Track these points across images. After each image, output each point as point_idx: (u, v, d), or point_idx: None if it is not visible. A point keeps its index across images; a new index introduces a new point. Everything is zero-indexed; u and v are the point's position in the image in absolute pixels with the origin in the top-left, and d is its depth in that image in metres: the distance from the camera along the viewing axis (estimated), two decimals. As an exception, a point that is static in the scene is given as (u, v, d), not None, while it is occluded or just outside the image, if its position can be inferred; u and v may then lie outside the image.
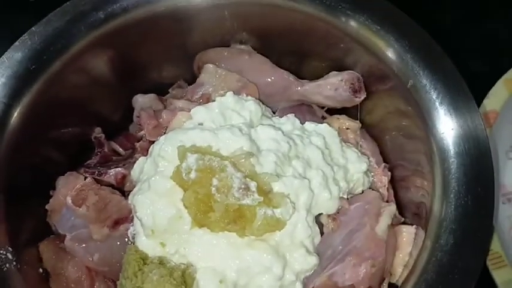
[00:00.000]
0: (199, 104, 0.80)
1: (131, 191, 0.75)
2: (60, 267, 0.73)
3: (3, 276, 0.65)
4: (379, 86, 0.80)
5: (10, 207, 0.70)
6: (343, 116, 0.86)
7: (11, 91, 0.72)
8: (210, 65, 0.84)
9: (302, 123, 0.80)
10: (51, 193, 0.77)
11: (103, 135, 0.88)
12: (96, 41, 0.78)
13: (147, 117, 0.78)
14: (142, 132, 0.81)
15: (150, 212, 0.68)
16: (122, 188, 0.79)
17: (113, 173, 0.77)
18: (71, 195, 0.71)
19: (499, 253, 0.86)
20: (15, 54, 0.74)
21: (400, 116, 0.78)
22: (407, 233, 0.71)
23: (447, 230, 0.62)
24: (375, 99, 0.83)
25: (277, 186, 0.68)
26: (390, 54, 0.74)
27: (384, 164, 0.83)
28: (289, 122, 0.78)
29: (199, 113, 0.76)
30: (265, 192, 0.67)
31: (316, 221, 0.72)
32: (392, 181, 0.83)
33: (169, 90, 0.94)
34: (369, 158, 0.81)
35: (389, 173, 0.82)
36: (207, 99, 0.81)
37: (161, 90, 0.93)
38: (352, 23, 0.76)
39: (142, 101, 0.87)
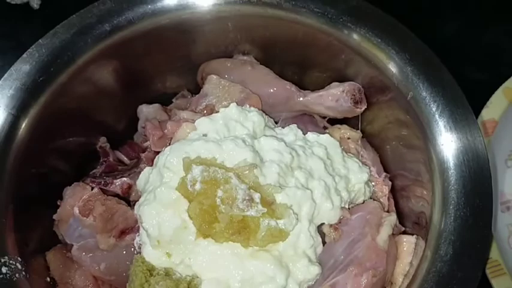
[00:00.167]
0: (204, 114, 0.81)
1: (137, 200, 0.76)
2: (68, 276, 0.74)
3: (14, 286, 0.66)
4: (380, 97, 0.81)
5: (19, 217, 0.72)
6: (345, 126, 0.87)
7: (19, 103, 0.73)
8: (214, 76, 0.85)
9: (304, 133, 0.81)
10: (58, 203, 0.78)
11: (108, 145, 0.89)
12: (102, 53, 0.79)
13: (153, 128, 0.80)
14: (147, 143, 0.82)
15: (155, 223, 0.69)
16: (128, 198, 0.80)
17: (118, 183, 0.78)
18: (78, 206, 0.72)
19: (498, 261, 0.87)
20: (23, 67, 0.75)
21: (400, 126, 0.80)
22: (408, 243, 0.72)
23: (447, 240, 0.64)
24: (375, 109, 0.84)
25: (280, 197, 0.69)
26: (391, 66, 0.75)
27: (384, 173, 0.84)
28: (291, 132, 0.79)
29: (203, 124, 0.77)
30: (268, 204, 0.68)
31: (318, 231, 0.73)
32: (392, 190, 0.84)
33: (173, 99, 0.96)
34: (369, 168, 0.83)
35: (390, 183, 0.83)
36: (211, 110, 0.82)
37: (165, 100, 0.94)
38: (354, 36, 0.77)
39: (146, 111, 0.89)
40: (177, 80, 0.94)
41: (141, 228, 0.71)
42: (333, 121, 0.89)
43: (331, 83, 0.85)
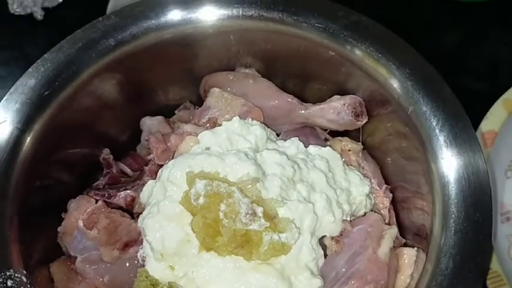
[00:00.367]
0: (206, 128, 0.82)
1: (140, 213, 0.77)
2: (72, 288, 0.75)
3: (19, 300, 0.67)
4: (381, 110, 0.82)
5: (23, 229, 0.72)
6: (346, 138, 0.88)
7: (25, 117, 0.74)
8: (216, 89, 0.86)
9: (306, 145, 0.82)
10: (62, 215, 0.79)
11: (111, 156, 0.90)
12: (106, 67, 0.80)
13: (156, 142, 0.80)
14: (151, 156, 0.83)
15: (159, 236, 0.70)
16: (131, 210, 0.81)
17: (122, 196, 0.79)
18: (82, 219, 0.73)
19: (498, 272, 0.88)
20: (29, 81, 0.76)
21: (401, 139, 0.81)
22: (409, 256, 0.73)
23: (447, 254, 0.64)
24: (376, 122, 0.85)
25: (282, 211, 0.70)
26: (391, 81, 0.76)
27: (385, 185, 0.85)
28: (293, 145, 0.80)
29: (206, 137, 0.78)
30: (271, 218, 0.69)
31: (319, 243, 0.74)
32: (393, 202, 0.85)
33: (176, 111, 0.97)
34: (370, 180, 0.83)
35: (390, 195, 0.84)
36: (213, 124, 0.83)
37: (167, 111, 0.95)
38: (355, 51, 0.78)
39: (150, 123, 0.90)
40: (180, 92, 0.95)
41: (144, 241, 0.72)
42: (334, 133, 0.90)
43: (332, 96, 0.86)
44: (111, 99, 0.86)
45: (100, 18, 0.81)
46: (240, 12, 0.82)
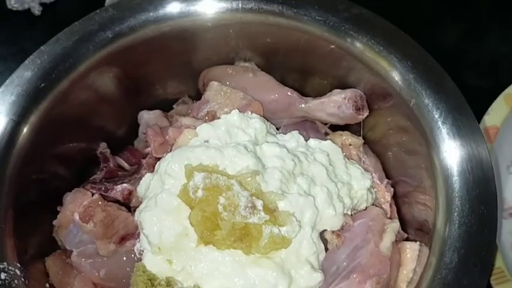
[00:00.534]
0: (205, 121, 0.81)
1: (137, 206, 0.75)
2: (67, 283, 0.74)
3: (12, 293, 0.66)
4: (382, 103, 0.81)
5: (18, 222, 0.71)
6: (346, 133, 0.87)
7: (20, 109, 0.73)
8: (215, 83, 0.85)
9: (306, 139, 0.81)
10: (58, 209, 0.78)
11: (108, 150, 0.89)
12: (104, 60, 0.79)
13: (154, 134, 0.79)
14: (148, 149, 0.82)
15: (156, 229, 0.68)
16: (128, 204, 0.79)
17: (119, 189, 0.78)
18: (78, 212, 0.71)
19: (501, 268, 0.87)
20: (25, 73, 0.74)
21: (402, 133, 0.80)
22: (411, 250, 0.72)
23: (451, 248, 0.63)
24: (377, 116, 0.84)
25: (282, 204, 0.69)
26: (393, 74, 0.75)
27: (386, 180, 0.84)
28: (293, 139, 0.79)
29: (205, 130, 0.77)
30: (271, 211, 0.68)
31: (320, 237, 0.73)
32: (394, 197, 0.83)
33: (174, 106, 0.96)
34: (371, 174, 0.82)
35: (392, 189, 0.83)
36: (212, 117, 0.82)
37: (166, 106, 0.94)
38: (356, 44, 0.77)
39: (147, 117, 0.89)
40: (178, 86, 0.94)
41: (141, 235, 0.71)
42: (335, 127, 0.89)
43: (332, 89, 0.85)
44: (109, 93, 0.85)
45: (98, 11, 0.80)
46: (240, 5, 0.81)
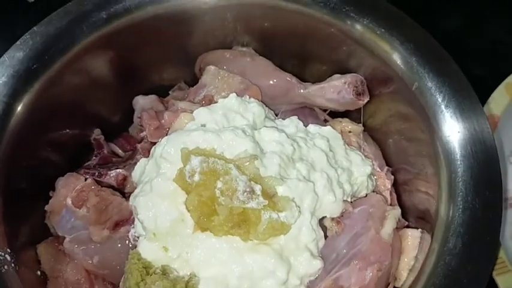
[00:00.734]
0: (202, 105, 0.79)
1: (132, 192, 0.73)
2: (59, 270, 0.72)
3: (1, 278, 0.64)
4: (383, 88, 0.80)
5: (8, 208, 0.69)
6: (346, 119, 0.85)
7: (12, 90, 0.71)
8: (212, 67, 0.83)
9: (305, 125, 0.79)
10: (50, 194, 0.76)
11: (102, 137, 0.87)
12: (98, 42, 0.77)
13: (149, 118, 0.77)
14: (143, 134, 0.80)
15: (152, 215, 0.67)
16: (122, 190, 0.78)
17: (113, 174, 0.76)
18: (71, 197, 0.70)
19: (502, 258, 0.85)
20: (17, 54, 0.73)
21: (404, 119, 0.78)
22: (413, 237, 0.70)
23: (455, 233, 0.62)
24: (377, 102, 0.82)
25: (281, 190, 0.67)
26: (395, 57, 0.73)
27: (386, 167, 0.82)
28: (292, 124, 0.77)
29: (202, 114, 0.75)
30: (270, 196, 0.66)
31: (319, 224, 0.71)
32: (395, 185, 0.82)
33: (170, 92, 0.94)
34: (371, 162, 0.81)
35: (392, 177, 0.81)
36: (209, 101, 0.80)
37: (161, 92, 0.92)
38: (356, 26, 0.76)
39: (143, 102, 0.87)
40: (174, 71, 0.92)
41: (136, 220, 0.69)
42: (334, 114, 0.87)
43: (332, 74, 0.83)
44: (103, 77, 0.83)
45: (92, -10, 0.78)
46: (237, -13, 0.79)
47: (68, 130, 0.83)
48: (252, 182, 0.66)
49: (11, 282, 0.64)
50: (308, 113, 0.86)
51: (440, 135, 0.68)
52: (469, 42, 1.17)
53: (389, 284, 0.70)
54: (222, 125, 0.74)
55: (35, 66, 0.73)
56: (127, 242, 0.71)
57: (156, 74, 0.91)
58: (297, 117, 0.79)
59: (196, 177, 0.66)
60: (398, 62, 0.73)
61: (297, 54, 0.87)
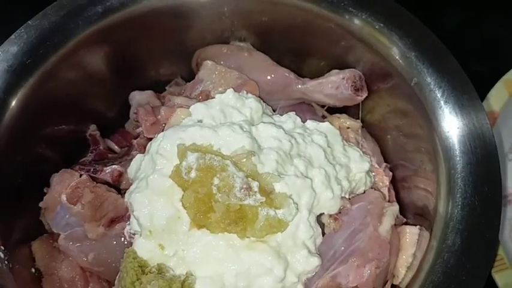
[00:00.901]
0: (199, 100, 0.78)
1: (127, 189, 0.73)
2: (53, 267, 0.71)
3: (-5, 275, 0.63)
4: (381, 84, 0.79)
5: (2, 205, 0.69)
6: (344, 115, 0.85)
7: (6, 85, 0.70)
8: (209, 62, 0.82)
9: (303, 121, 0.79)
10: (45, 190, 0.75)
11: (98, 133, 0.86)
12: (93, 36, 0.76)
13: (145, 114, 0.76)
14: (139, 129, 0.79)
15: (147, 212, 0.66)
16: (118, 186, 0.77)
17: (109, 171, 0.75)
18: (66, 193, 0.69)
19: (500, 255, 0.85)
20: (11, 48, 0.72)
21: (402, 115, 0.77)
22: (411, 234, 0.70)
23: (454, 230, 0.61)
24: (376, 98, 0.82)
25: (279, 186, 0.66)
26: (394, 52, 0.73)
27: (385, 164, 0.82)
28: (290, 120, 0.77)
29: (198, 109, 0.74)
30: (267, 193, 0.65)
31: (317, 221, 0.70)
32: (393, 181, 0.81)
33: (166, 87, 0.93)
34: (370, 158, 0.80)
35: (390, 173, 0.81)
36: (206, 96, 0.79)
37: (158, 87, 0.91)
38: (355, 20, 0.75)
39: (139, 97, 0.86)
40: (171, 67, 0.91)
41: (131, 217, 0.68)
42: (332, 110, 0.87)
43: (330, 70, 0.83)
44: (99, 72, 0.82)
45: (88, -16, 0.77)
46: (234, -19, 0.78)
47: (63, 126, 0.82)
48: (249, 179, 0.65)
49: (5, 281, 0.63)
50: (306, 108, 0.85)
51: (439, 131, 0.67)
52: (469, 38, 1.16)
53: (387, 281, 0.69)
54: (219, 120, 0.73)
55: (29, 60, 0.72)
56: (122, 239, 0.70)
57: (153, 69, 0.90)
58: (294, 113, 0.79)
59: (193, 174, 0.65)
60: (397, 57, 0.73)
61: (294, 49, 0.86)
